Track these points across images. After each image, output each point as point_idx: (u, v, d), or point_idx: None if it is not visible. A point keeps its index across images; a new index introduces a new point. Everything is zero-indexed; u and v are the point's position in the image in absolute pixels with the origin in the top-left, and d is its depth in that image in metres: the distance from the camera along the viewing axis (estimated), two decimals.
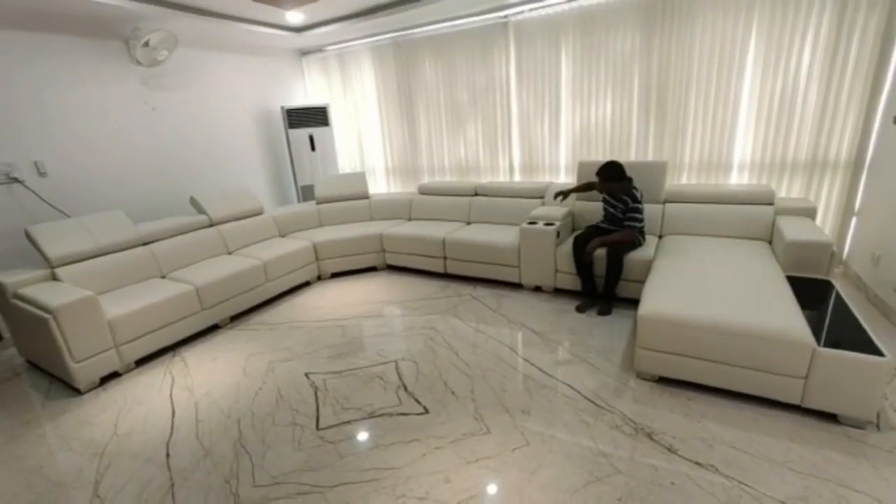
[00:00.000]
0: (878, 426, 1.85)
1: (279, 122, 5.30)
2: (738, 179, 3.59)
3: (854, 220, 3.27)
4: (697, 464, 1.75)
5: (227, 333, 3.26)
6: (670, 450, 1.83)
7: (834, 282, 2.43)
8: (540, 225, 3.40)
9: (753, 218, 3.07)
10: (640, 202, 3.05)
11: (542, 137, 4.35)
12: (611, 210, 3.21)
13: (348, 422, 2.17)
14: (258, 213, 4.29)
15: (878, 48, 2.91)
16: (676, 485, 1.66)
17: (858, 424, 1.85)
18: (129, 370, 2.82)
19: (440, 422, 2.12)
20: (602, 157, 4.09)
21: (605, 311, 3.03)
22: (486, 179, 4.82)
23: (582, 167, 3.69)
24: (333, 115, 5.48)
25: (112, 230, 3.22)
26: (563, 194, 3.43)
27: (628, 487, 1.66)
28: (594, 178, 3.19)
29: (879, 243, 2.87)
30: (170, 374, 2.76)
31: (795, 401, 1.93)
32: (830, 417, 1.91)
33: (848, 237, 3.33)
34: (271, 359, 2.84)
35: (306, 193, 5.32)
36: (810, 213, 2.98)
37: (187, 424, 2.24)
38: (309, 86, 5.69)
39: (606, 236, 3.08)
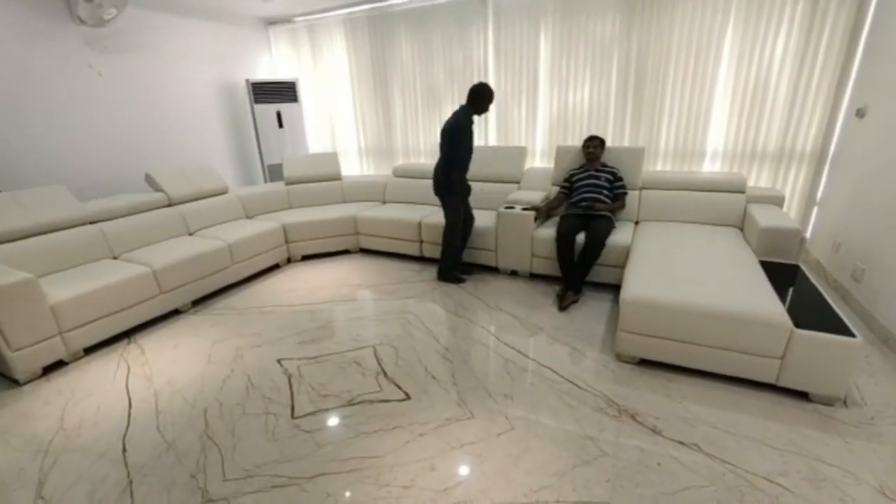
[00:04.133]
0: (845, 403, 1.93)
1: (244, 95, 4.98)
2: (710, 167, 3.68)
3: (815, 209, 3.42)
4: (681, 443, 1.76)
5: (190, 318, 3.05)
6: (654, 430, 1.84)
7: (803, 266, 2.52)
8: (517, 209, 3.36)
9: (726, 205, 3.14)
10: None
11: (520, 120, 4.30)
12: (598, 182, 3.24)
13: (326, 409, 2.06)
14: (222, 192, 4.01)
15: (846, 42, 3.02)
16: (662, 465, 1.66)
17: (828, 402, 1.92)
18: (76, 359, 2.57)
19: (422, 408, 2.04)
20: (579, 141, 4.06)
21: (577, 295, 3.03)
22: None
23: (560, 151, 3.67)
24: (303, 91, 5.19)
25: (52, 207, 2.91)
26: (538, 213, 3.32)
27: (615, 469, 1.66)
28: (561, 187, 3.50)
29: (839, 231, 3.00)
30: (125, 362, 2.54)
31: (771, 380, 1.99)
32: (802, 396, 1.98)
33: (810, 225, 3.48)
34: (239, 345, 2.66)
35: (274, 173, 5.05)
36: (779, 201, 3.08)
37: (146, 416, 2.06)
38: (276, 58, 5.36)
39: (611, 204, 3.20)
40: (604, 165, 3.38)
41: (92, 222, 3.10)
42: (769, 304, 1.97)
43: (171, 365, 2.49)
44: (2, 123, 3.15)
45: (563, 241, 3.03)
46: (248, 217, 4.14)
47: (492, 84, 4.28)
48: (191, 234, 3.61)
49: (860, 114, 2.88)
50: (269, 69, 5.35)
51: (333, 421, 1.98)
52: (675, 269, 2.37)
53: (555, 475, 1.64)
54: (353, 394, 2.16)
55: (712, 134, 3.60)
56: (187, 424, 1.99)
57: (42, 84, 3.35)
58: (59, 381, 2.38)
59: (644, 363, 2.29)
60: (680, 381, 2.15)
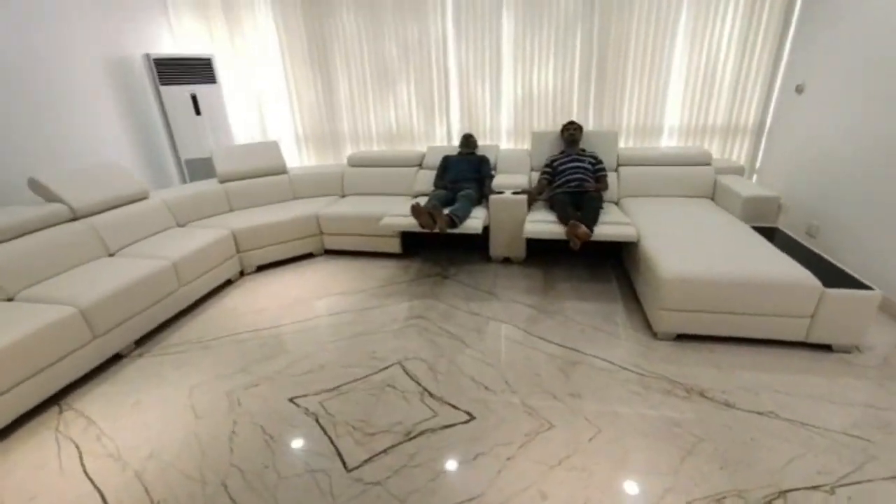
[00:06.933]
0: (858, 349, 2.17)
1: (142, 75, 4.00)
2: (668, 142, 3.90)
3: (755, 178, 3.85)
4: (758, 413, 1.81)
5: (138, 363, 2.37)
6: (728, 405, 1.86)
7: (784, 229, 2.78)
8: (508, 193, 3.21)
9: (697, 177, 3.35)
10: None
11: (483, 101, 4.11)
12: (582, 165, 3.24)
13: (384, 451, 1.72)
14: (141, 197, 3.19)
15: (780, 25, 3.35)
16: (756, 440, 1.68)
17: (846, 350, 2.14)
18: None
19: (493, 426, 1.82)
20: (545, 122, 4.05)
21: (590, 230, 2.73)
22: (421, 147, 4.40)
23: (536, 136, 3.62)
24: (220, 70, 4.34)
25: None
26: (531, 198, 3.23)
27: (718, 453, 1.63)
28: (543, 173, 3.42)
29: (782, 195, 3.39)
30: (67, 439, 1.86)
31: (800, 338, 2.15)
32: (825, 348, 2.17)
33: None
34: (228, 388, 2.13)
35: (194, 170, 4.19)
36: (739, 171, 3.38)
37: None
38: (177, 30, 4.39)
39: (595, 185, 3.21)
40: (583, 150, 3.39)
41: None
42: (793, 269, 2.11)
43: (141, 431, 1.89)
44: None
45: (562, 203, 2.94)
46: (181, 225, 3.37)
47: (452, 61, 4.05)
48: (112, 255, 2.81)
49: (799, 90, 3.24)
50: (172, 43, 4.36)
51: (400, 463, 1.66)
52: (691, 243, 2.43)
53: (669, 473, 1.56)
54: (407, 425, 1.85)
55: (669, 111, 3.81)
56: None
57: None
58: None
59: (680, 338, 2.34)
60: (720, 351, 2.22)
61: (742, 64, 3.53)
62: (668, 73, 3.69)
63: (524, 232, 2.87)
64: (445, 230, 2.84)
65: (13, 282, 2.29)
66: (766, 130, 3.69)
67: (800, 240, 2.59)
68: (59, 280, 2.40)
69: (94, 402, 2.08)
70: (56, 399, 2.10)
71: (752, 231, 2.59)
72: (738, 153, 3.82)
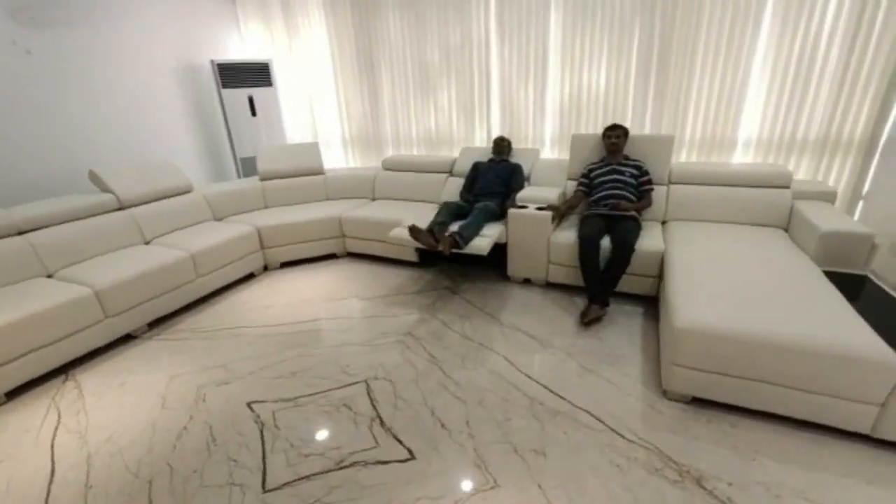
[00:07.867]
0: None
1: (209, 79, 4.39)
2: (742, 158, 3.27)
3: (861, 204, 3.05)
4: None
5: (145, 345, 2.55)
6: (728, 503, 1.44)
7: (874, 278, 2.14)
8: (531, 209, 2.92)
9: (768, 202, 2.74)
10: None
11: (526, 106, 3.82)
12: (621, 178, 2.85)
13: (307, 477, 1.61)
14: (185, 191, 3.48)
15: None
16: None
17: None
18: None
19: (432, 472, 1.61)
20: (593, 129, 3.64)
21: (603, 308, 2.60)
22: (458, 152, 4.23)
23: (576, 140, 3.22)
24: (278, 74, 4.61)
25: None
26: (556, 213, 2.89)
27: None
28: (579, 183, 3.08)
29: (893, 230, 2.63)
30: (56, 408, 2.04)
31: (864, 430, 1.60)
32: (894, 447, 1.60)
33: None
34: (201, 382, 2.19)
35: (247, 167, 4.50)
36: (830, 197, 2.70)
37: (71, 493, 1.59)
38: (246, 37, 4.75)
39: (636, 202, 2.82)
40: (626, 158, 2.96)
41: (19, 233, 2.56)
42: (864, 337, 1.57)
43: (114, 411, 2.01)
44: None
45: (587, 245, 2.60)
46: (217, 219, 3.62)
47: (494, 64, 3.83)
48: (147, 243, 3.09)
49: None
50: (240, 49, 4.74)
51: (316, 495, 1.54)
52: (731, 287, 1.96)
53: None
54: (343, 452, 1.72)
55: (746, 120, 3.18)
56: None
57: None
58: None
59: (697, 401, 1.89)
60: (745, 427, 1.75)
61: (850, 62, 2.80)
62: (746, 72, 3.07)
63: (546, 276, 2.67)
64: (448, 251, 2.65)
65: (55, 261, 2.61)
66: (881, 147, 2.90)
67: None
68: (93, 263, 2.69)
69: (93, 378, 2.27)
70: (66, 369, 2.34)
71: (823, 277, 2.02)
72: (838, 174, 3.05)
